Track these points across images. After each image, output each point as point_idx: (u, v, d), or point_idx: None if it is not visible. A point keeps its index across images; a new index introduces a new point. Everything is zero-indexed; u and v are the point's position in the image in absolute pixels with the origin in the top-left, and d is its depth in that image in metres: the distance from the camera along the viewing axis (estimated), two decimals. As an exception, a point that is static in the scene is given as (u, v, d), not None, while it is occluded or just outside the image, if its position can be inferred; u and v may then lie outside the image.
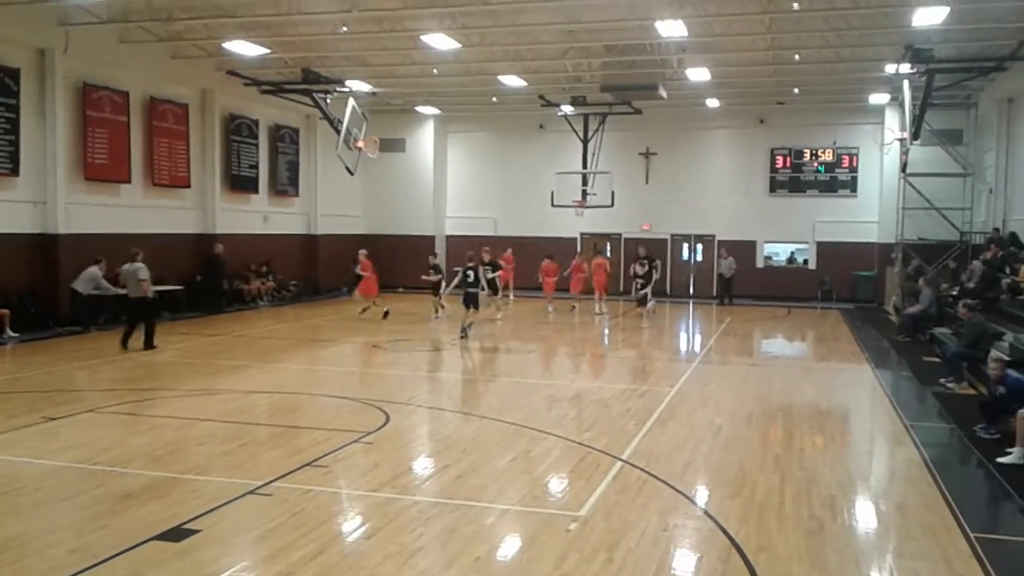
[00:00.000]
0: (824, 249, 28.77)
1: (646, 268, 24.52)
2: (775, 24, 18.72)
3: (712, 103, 27.52)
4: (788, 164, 29.14)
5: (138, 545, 6.14)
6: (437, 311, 22.10)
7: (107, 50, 19.61)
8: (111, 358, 15.13)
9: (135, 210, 21.02)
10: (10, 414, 10.45)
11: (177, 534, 6.38)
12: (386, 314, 21.43)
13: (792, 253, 29.66)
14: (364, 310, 21.92)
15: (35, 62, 18.37)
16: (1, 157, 17.53)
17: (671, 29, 17.86)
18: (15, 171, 17.83)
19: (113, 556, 5.94)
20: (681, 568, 6.12)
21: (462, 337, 17.62)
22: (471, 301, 17.88)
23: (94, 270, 17.57)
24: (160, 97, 21.87)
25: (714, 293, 28.80)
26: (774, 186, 29.29)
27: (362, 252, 22.84)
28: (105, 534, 6.42)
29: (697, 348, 19.07)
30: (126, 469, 8.10)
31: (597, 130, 27.62)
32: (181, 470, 8.15)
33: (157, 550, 6.10)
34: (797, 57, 21.40)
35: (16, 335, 16.88)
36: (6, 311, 16.90)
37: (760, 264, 29.53)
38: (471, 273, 18.05)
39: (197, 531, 6.47)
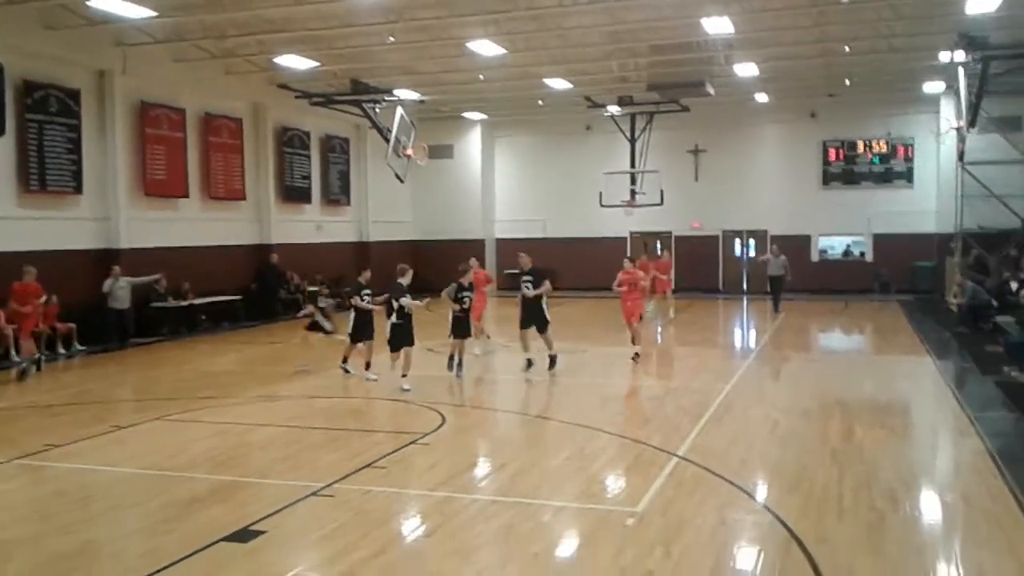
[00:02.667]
0: (881, 241, 28.23)
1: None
2: (824, 16, 18.46)
3: (761, 98, 27.21)
4: (841, 156, 28.66)
5: (207, 547, 6.34)
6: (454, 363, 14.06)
7: (163, 69, 20.19)
8: (173, 368, 15.56)
9: (193, 223, 21.59)
10: (80, 424, 10.83)
11: (244, 535, 6.57)
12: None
13: (848, 246, 29.17)
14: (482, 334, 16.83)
15: (95, 83, 19.00)
16: (65, 176, 18.15)
17: (717, 26, 17.74)
18: (79, 189, 18.45)
19: (184, 558, 6.13)
20: (741, 561, 6.11)
21: (458, 375, 13.61)
22: (461, 329, 13.58)
23: (110, 281, 17.86)
24: (215, 112, 22.43)
25: (767, 290, 28.39)
26: (827, 179, 28.85)
27: (473, 261, 17.13)
28: (174, 537, 6.63)
29: (752, 344, 18.87)
30: (192, 474, 8.35)
31: (644, 129, 27.51)
32: (244, 474, 8.38)
33: (226, 551, 6.29)
34: (847, 48, 21.03)
35: (83, 348, 17.45)
36: (73, 325, 17.47)
37: (815, 258, 29.08)
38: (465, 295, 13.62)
39: (263, 532, 6.65)
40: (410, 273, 13.14)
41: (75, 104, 18.36)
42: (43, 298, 15.44)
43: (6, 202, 16.97)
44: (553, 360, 13.83)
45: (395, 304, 12.59)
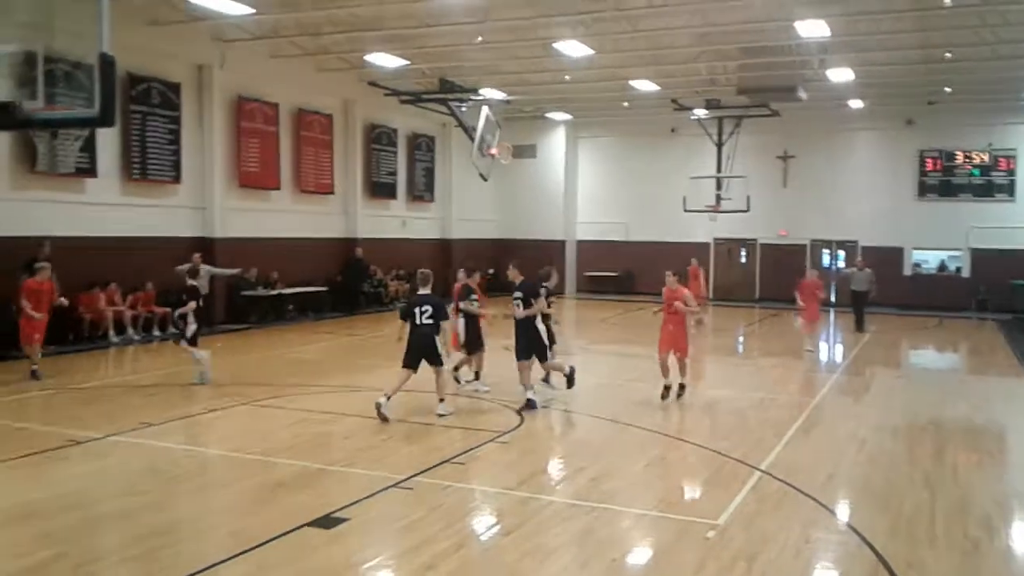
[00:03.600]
0: (979, 256, 27.06)
1: None
2: (925, 21, 17.80)
3: (855, 104, 26.42)
4: (939, 167, 27.59)
5: (292, 531, 6.50)
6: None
7: (259, 64, 20.78)
8: (260, 354, 15.99)
9: (283, 215, 22.17)
10: (172, 405, 11.24)
11: (327, 522, 6.71)
12: None
13: (943, 261, 28.07)
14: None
15: (194, 77, 19.67)
16: (165, 165, 18.85)
17: (812, 29, 17.30)
18: (178, 179, 19.14)
19: (269, 540, 6.30)
20: (825, 582, 5.94)
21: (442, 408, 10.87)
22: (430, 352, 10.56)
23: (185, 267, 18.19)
24: (307, 108, 22.97)
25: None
26: (923, 190, 27.80)
27: (694, 260, 18.61)
28: (260, 519, 6.82)
29: (839, 358, 18.35)
30: (278, 459, 8.56)
31: (732, 133, 27.02)
32: (328, 462, 8.55)
33: (310, 536, 6.43)
34: (949, 55, 20.26)
35: (177, 332, 18.04)
36: (168, 309, 18.09)
37: (907, 272, 28.10)
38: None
39: (346, 519, 6.78)
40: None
41: (176, 97, 19.04)
42: (57, 301, 13.40)
43: (111, 189, 17.72)
44: (571, 378, 11.62)
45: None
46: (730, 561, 6.10)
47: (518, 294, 11.33)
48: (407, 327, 10.46)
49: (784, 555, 6.27)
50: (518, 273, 11.66)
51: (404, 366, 10.47)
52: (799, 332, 18.46)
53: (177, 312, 13.05)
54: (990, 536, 6.78)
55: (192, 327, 12.63)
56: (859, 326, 21.27)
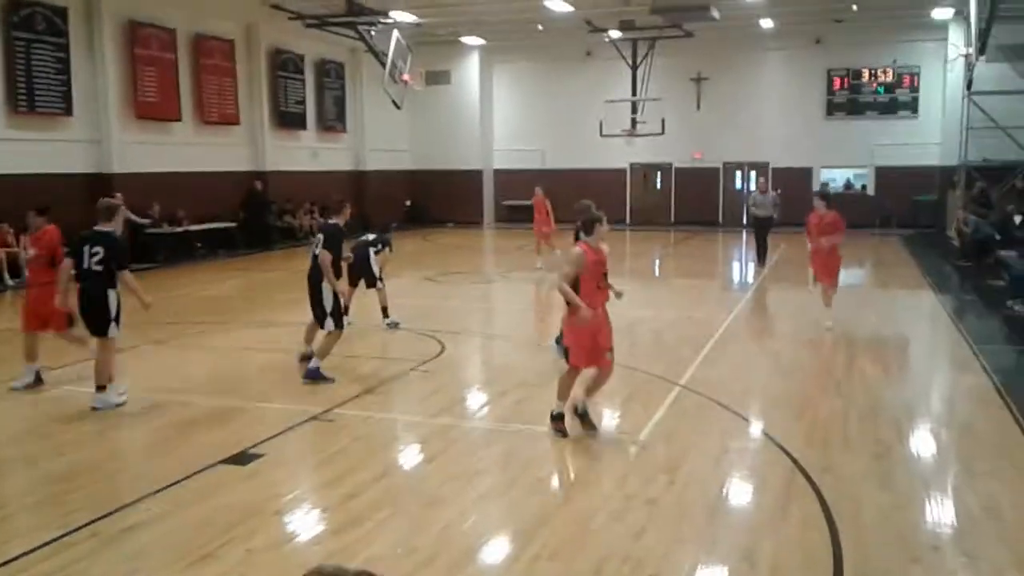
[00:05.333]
0: (883, 173, 27.84)
1: None
2: (835, -64, 17.84)
3: (766, 23, 26.49)
4: (846, 85, 28.07)
5: (205, 469, 6.27)
6: None
7: (152, -14, 19.54)
8: (168, 294, 15.40)
9: (187, 148, 21.16)
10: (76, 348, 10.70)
11: (243, 459, 6.50)
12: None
13: (848, 179, 28.83)
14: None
15: (81, 1, 18.37)
16: (55, 97, 17.69)
17: (725, -55, 17.15)
18: (68, 111, 18.01)
19: (181, 479, 6.06)
20: (745, 489, 6.06)
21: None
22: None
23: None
24: (206, 33, 21.79)
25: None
26: (831, 109, 28.31)
27: (538, 189, 18.86)
28: (173, 459, 6.56)
29: (751, 277, 18.75)
30: (189, 398, 8.26)
31: (646, 56, 26.90)
32: (243, 398, 8.29)
33: (224, 473, 6.22)
34: (857, -29, 20.44)
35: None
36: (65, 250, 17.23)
37: (817, 190, 28.75)
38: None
39: (262, 455, 6.58)
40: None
41: (62, 23, 17.79)
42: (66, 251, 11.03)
43: (-5, 123, 16.58)
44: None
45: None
46: (652, 473, 6.16)
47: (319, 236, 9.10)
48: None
49: (704, 466, 6.36)
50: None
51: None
52: (811, 293, 12.58)
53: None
54: (900, 439, 7.02)
55: None
56: (760, 258, 18.73)
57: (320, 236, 9.00)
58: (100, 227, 8.32)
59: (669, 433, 7.13)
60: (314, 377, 8.68)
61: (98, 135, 18.77)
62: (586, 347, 6.83)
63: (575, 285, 6.71)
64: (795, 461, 6.36)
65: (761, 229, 19.14)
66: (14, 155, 16.76)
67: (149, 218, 19.24)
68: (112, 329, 8.16)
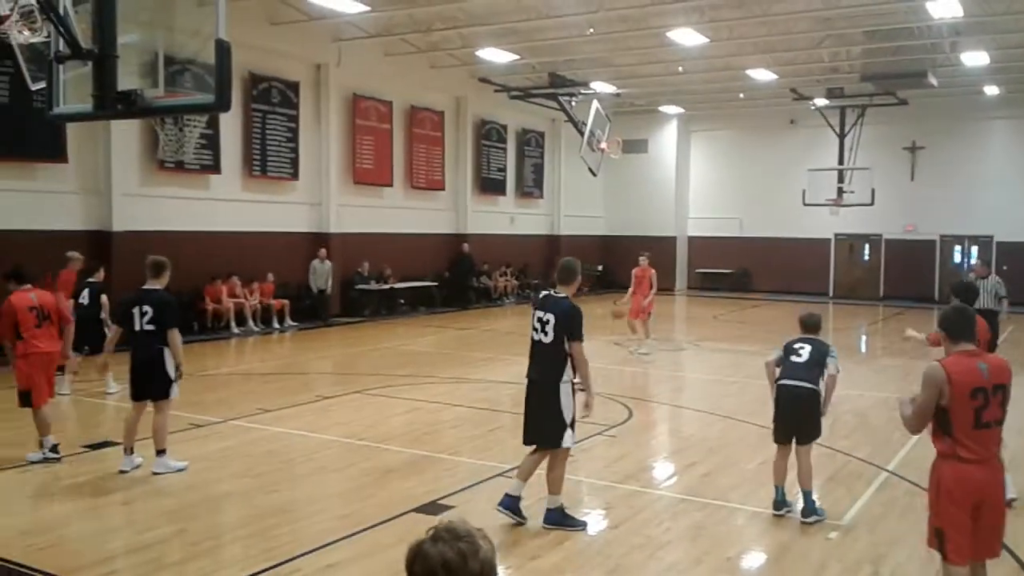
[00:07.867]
0: None
1: None
2: (1071, -4, 16.54)
3: (991, 90, 24.83)
4: (1084, 155, 25.62)
5: (399, 515, 6.51)
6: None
7: (373, 63, 21.17)
8: (373, 346, 16.29)
9: (396, 211, 22.54)
10: (289, 392, 11.54)
11: (434, 508, 6.70)
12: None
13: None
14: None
15: (312, 76, 20.22)
16: (283, 162, 19.46)
17: (944, 9, 16.29)
18: (295, 175, 19.72)
19: (378, 524, 6.33)
20: (961, 590, 5.49)
21: None
22: None
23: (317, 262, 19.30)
24: (419, 105, 23.30)
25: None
26: (1066, 180, 25.89)
27: (642, 259, 16.44)
28: (371, 503, 6.88)
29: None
30: (388, 446, 8.64)
31: (855, 123, 25.86)
32: (436, 450, 8.57)
33: (417, 521, 6.42)
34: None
35: (295, 324, 18.66)
36: (285, 302, 18.71)
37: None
38: None
39: (452, 507, 6.75)
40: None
41: (294, 96, 19.62)
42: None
43: (233, 185, 18.40)
44: None
45: None
46: (854, 563, 5.75)
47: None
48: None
49: (913, 559, 5.85)
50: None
51: None
52: None
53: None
54: None
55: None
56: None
57: (550, 318, 6.45)
58: (148, 285, 7.79)
59: (874, 521, 6.63)
60: (558, 522, 6.40)
61: (318, 198, 20.38)
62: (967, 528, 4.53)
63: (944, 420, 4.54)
64: (1022, 565, 5.72)
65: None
66: (245, 215, 18.50)
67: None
68: (174, 390, 7.80)
